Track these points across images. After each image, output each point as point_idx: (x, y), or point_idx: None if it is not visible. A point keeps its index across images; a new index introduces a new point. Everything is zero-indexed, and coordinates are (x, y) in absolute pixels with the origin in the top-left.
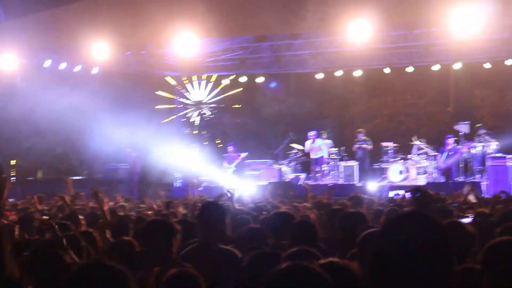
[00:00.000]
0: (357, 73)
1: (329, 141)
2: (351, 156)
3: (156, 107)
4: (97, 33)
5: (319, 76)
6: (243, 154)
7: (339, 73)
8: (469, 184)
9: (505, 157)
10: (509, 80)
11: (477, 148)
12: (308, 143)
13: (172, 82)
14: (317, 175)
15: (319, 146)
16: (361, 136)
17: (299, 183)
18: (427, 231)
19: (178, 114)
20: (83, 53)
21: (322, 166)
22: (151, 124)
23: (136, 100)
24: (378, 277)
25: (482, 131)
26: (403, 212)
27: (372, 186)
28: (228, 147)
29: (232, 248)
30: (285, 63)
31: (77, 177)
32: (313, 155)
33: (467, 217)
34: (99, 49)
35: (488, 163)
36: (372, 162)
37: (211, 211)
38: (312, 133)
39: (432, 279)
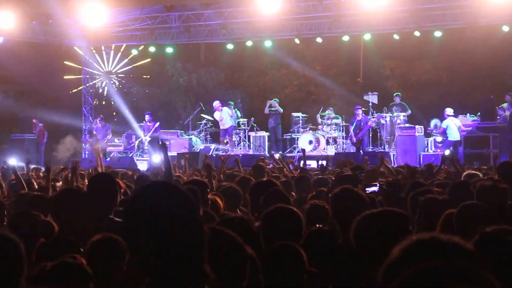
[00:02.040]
0: (267, 43)
1: (236, 111)
2: (261, 126)
3: (64, 77)
4: (1, 2)
5: (229, 46)
6: (157, 124)
7: (248, 43)
8: (380, 155)
9: (414, 127)
10: (417, 51)
11: (386, 118)
12: (217, 114)
13: (80, 52)
14: (227, 145)
15: (226, 116)
16: (274, 104)
17: (210, 154)
18: (171, 199)
19: (87, 85)
20: None
21: (231, 136)
22: (59, 95)
23: (44, 70)
24: (133, 247)
25: (398, 100)
26: (150, 183)
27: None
28: (145, 116)
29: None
30: (194, 33)
31: None
32: (221, 126)
33: (374, 185)
34: (4, 19)
35: (397, 133)
36: (282, 133)
37: (102, 182)
38: (216, 103)
39: (181, 245)
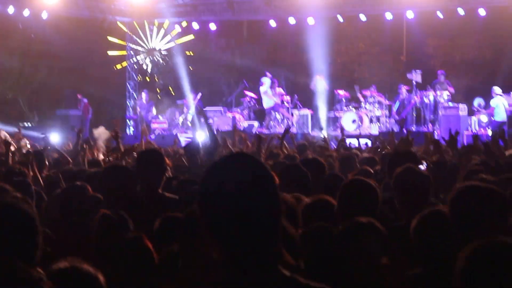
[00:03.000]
0: (310, 21)
1: (279, 89)
2: (304, 104)
3: (108, 52)
4: None
5: (272, 23)
6: (199, 95)
7: (292, 20)
8: (427, 134)
9: (457, 106)
10: (461, 29)
11: (430, 97)
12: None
13: (124, 28)
14: (270, 123)
15: (268, 94)
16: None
17: (253, 132)
18: (251, 169)
19: (131, 60)
20: None
21: (276, 114)
22: (103, 70)
23: (87, 45)
24: (208, 219)
25: (441, 78)
26: (229, 154)
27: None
28: (194, 95)
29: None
30: (238, 10)
31: (28, 123)
32: (264, 104)
33: (421, 164)
34: None
35: (441, 112)
36: (326, 111)
37: (150, 157)
38: (265, 79)
39: (259, 214)
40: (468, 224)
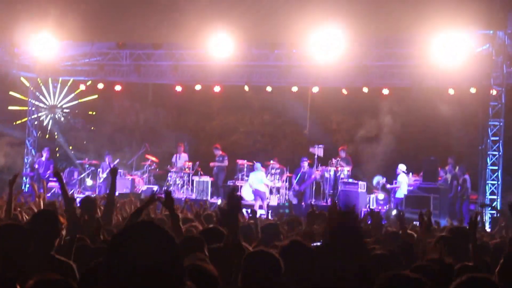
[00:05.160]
0: (216, 88)
1: (184, 154)
2: (205, 171)
3: (8, 107)
4: None
5: (178, 88)
6: (116, 161)
7: (198, 87)
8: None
9: (357, 183)
10: (365, 107)
11: (330, 172)
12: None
13: (27, 83)
14: (170, 188)
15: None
16: (218, 152)
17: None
18: (156, 240)
19: (31, 117)
20: None
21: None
22: (2, 126)
23: None
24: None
25: (343, 154)
26: (134, 223)
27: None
28: (107, 157)
29: None
30: (144, 72)
31: None
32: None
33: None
34: None
35: (340, 188)
36: (227, 179)
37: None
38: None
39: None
40: None
